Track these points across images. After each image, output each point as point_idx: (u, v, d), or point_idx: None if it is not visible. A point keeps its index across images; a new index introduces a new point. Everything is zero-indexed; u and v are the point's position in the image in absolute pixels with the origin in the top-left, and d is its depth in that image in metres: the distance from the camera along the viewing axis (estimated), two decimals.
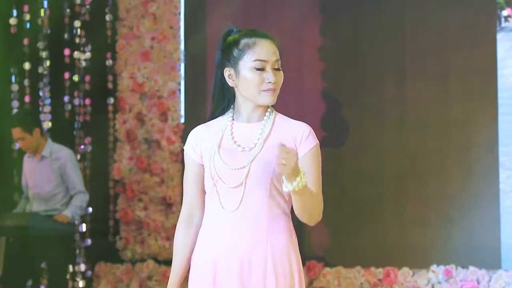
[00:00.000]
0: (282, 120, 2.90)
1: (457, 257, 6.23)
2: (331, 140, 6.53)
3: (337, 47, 6.65)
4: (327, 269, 6.53)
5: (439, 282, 6.22)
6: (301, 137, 2.86)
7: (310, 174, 2.82)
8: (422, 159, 6.36)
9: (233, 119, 2.90)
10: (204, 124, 2.95)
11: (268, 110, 2.90)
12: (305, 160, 2.84)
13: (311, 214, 2.83)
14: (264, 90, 2.83)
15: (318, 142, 2.91)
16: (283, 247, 2.83)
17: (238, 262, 2.80)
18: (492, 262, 6.14)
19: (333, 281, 6.48)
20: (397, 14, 6.49)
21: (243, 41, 2.85)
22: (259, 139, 2.84)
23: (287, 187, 2.69)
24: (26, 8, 6.95)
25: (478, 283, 6.12)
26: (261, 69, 2.83)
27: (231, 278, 2.80)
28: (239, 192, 2.80)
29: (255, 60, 2.83)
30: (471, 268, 6.16)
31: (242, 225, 2.81)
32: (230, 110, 2.92)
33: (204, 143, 2.89)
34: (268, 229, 2.81)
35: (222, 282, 2.81)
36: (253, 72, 2.83)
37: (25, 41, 6.97)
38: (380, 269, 6.40)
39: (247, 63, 2.83)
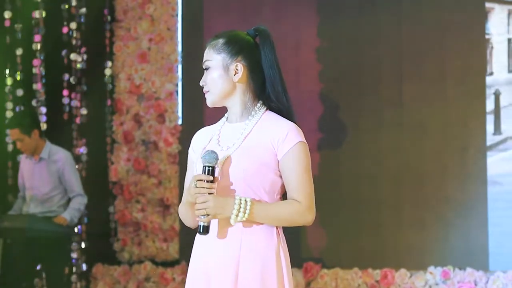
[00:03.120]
0: (268, 120, 2.82)
1: (454, 258, 6.23)
2: (329, 141, 6.52)
3: (334, 49, 6.65)
4: (325, 270, 6.53)
5: (437, 284, 6.22)
6: (278, 138, 2.76)
7: (290, 176, 2.75)
8: (419, 161, 6.36)
9: (226, 120, 2.91)
10: (209, 126, 2.97)
11: (254, 110, 2.84)
12: (285, 160, 2.75)
13: (290, 223, 2.77)
14: None
15: (302, 140, 2.78)
16: (259, 250, 2.73)
17: (209, 266, 2.75)
18: (489, 263, 6.14)
19: (331, 282, 6.48)
20: (394, 16, 6.49)
21: None
22: (239, 139, 2.79)
23: (232, 221, 2.69)
24: (22, 9, 6.94)
25: (476, 284, 6.12)
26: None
27: (200, 282, 2.77)
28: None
29: None
30: (469, 269, 6.16)
31: (215, 227, 2.76)
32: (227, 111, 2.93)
33: (198, 145, 2.91)
34: (242, 232, 2.74)
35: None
36: None
37: (21, 43, 6.96)
38: (378, 271, 6.40)
39: None
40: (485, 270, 6.13)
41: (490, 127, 6.20)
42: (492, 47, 6.22)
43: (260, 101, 2.86)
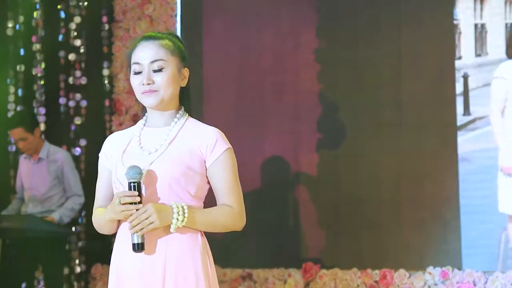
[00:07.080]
0: (192, 126, 2.83)
1: (453, 259, 6.23)
2: (327, 142, 6.52)
3: (333, 49, 6.65)
4: (324, 271, 6.53)
5: (436, 284, 6.22)
6: (207, 145, 2.77)
7: (220, 183, 2.76)
8: (418, 161, 6.36)
9: (144, 125, 2.89)
10: (122, 130, 2.97)
11: (177, 115, 2.84)
12: (215, 167, 2.76)
13: (224, 228, 2.79)
14: (142, 93, 2.79)
15: (229, 146, 2.80)
16: (184, 254, 2.72)
17: (136, 271, 2.76)
18: (488, 264, 6.14)
19: (330, 283, 6.47)
20: (393, 16, 6.49)
21: (132, 46, 2.84)
22: (163, 145, 2.77)
23: (173, 227, 2.68)
24: (20, 10, 6.94)
25: (475, 285, 6.12)
26: (139, 72, 2.78)
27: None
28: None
29: (132, 64, 2.80)
30: (468, 270, 6.16)
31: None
32: (144, 116, 2.91)
33: (113, 149, 2.88)
34: (166, 235, 2.72)
35: None
36: (132, 76, 2.81)
37: (20, 43, 6.96)
38: (377, 271, 6.39)
39: (130, 67, 2.81)
40: (484, 271, 6.13)
41: (460, 108, 6.28)
42: (460, 32, 6.30)
43: (183, 107, 2.87)
